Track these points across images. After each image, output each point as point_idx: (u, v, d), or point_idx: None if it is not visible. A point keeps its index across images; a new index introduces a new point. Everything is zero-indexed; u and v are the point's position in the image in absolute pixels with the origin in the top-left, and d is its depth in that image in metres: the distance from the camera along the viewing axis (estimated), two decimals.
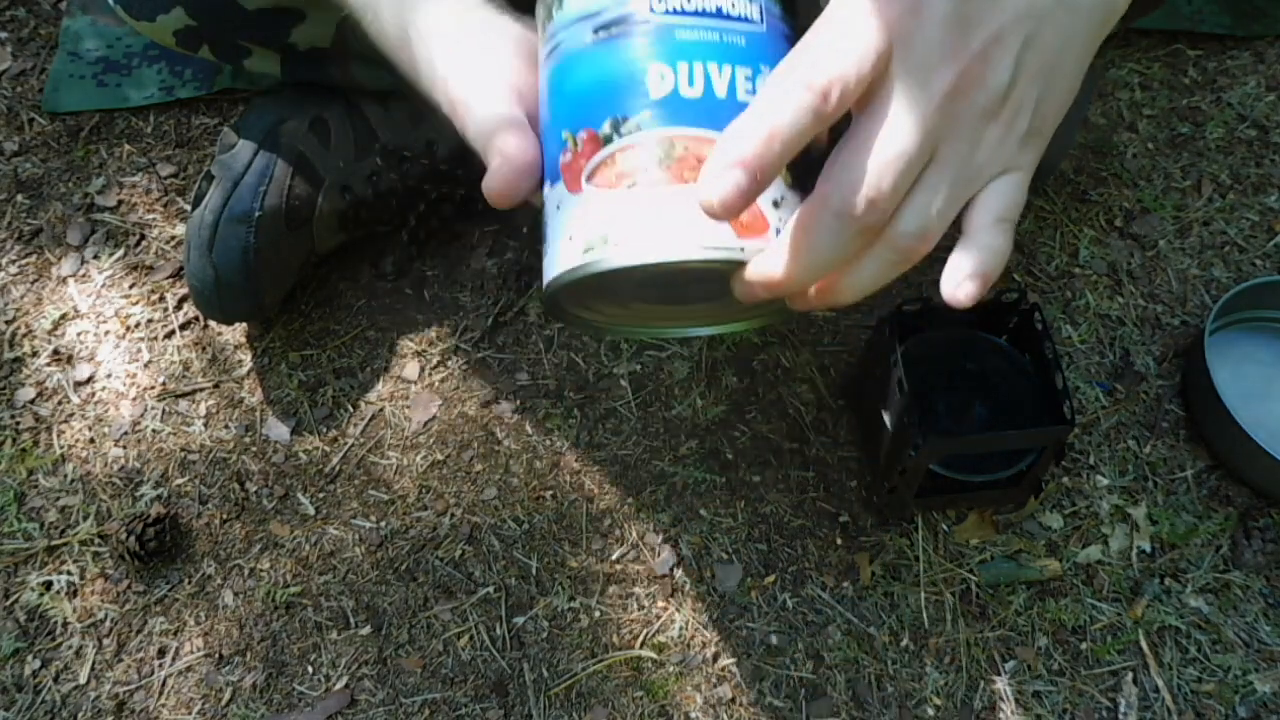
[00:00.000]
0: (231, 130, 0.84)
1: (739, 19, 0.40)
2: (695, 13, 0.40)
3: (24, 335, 0.92)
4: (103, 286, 0.94)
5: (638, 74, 0.39)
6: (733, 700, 0.76)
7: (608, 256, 0.38)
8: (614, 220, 0.38)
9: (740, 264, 0.38)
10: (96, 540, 0.82)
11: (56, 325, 0.92)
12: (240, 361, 0.90)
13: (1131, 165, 0.99)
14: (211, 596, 0.80)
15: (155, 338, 0.91)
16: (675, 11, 0.40)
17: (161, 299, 0.93)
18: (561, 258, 0.40)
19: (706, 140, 0.38)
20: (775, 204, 0.39)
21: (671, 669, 0.77)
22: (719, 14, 0.40)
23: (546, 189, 0.42)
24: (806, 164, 0.39)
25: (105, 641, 0.79)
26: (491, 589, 0.80)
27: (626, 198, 0.38)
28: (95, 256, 0.95)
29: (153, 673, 0.78)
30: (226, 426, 0.87)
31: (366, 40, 0.50)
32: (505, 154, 0.41)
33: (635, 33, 0.39)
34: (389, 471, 0.85)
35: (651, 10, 0.40)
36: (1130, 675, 0.76)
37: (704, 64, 0.39)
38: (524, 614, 0.79)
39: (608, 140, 0.39)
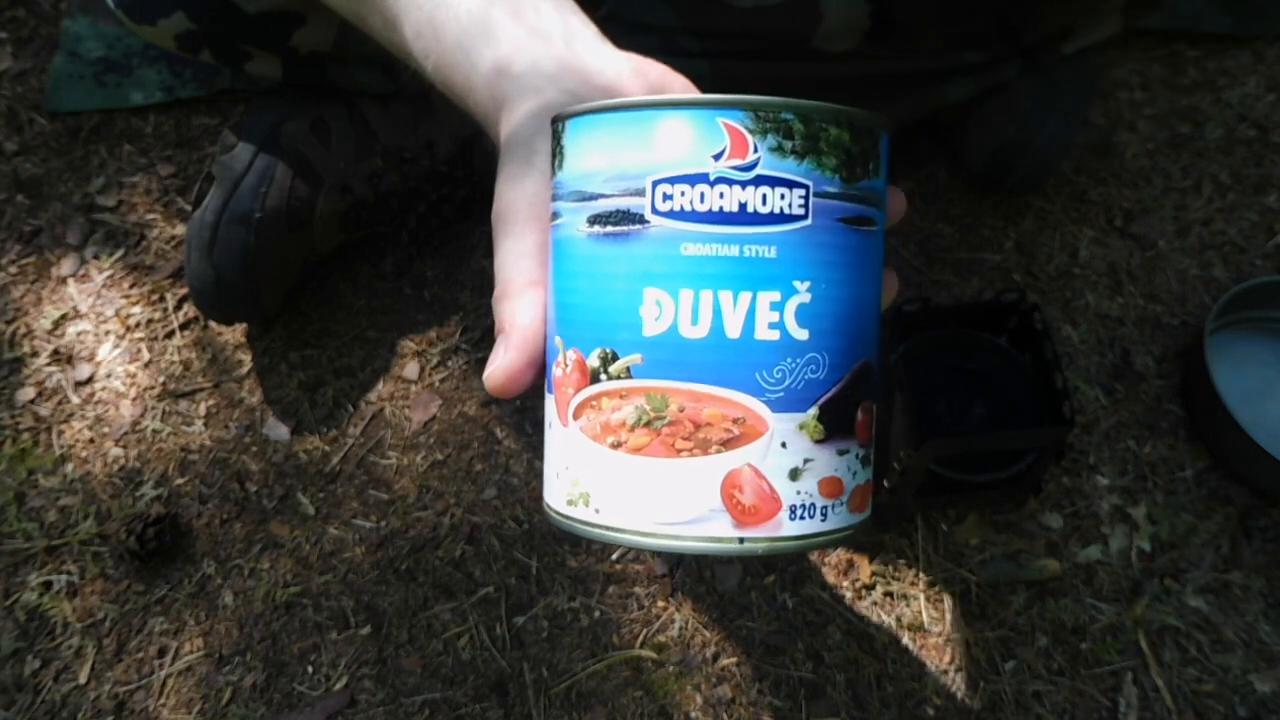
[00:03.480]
0: (231, 131, 0.84)
1: (771, 219, 0.31)
2: (709, 216, 0.31)
3: (24, 335, 0.92)
4: (103, 286, 0.94)
5: (630, 299, 0.31)
6: (733, 700, 0.76)
7: (588, 523, 0.33)
8: (597, 481, 0.33)
9: (742, 556, 0.33)
10: (96, 540, 0.82)
11: (56, 325, 0.92)
12: (240, 361, 0.90)
13: (1131, 165, 0.99)
14: (211, 596, 0.80)
15: (155, 338, 0.91)
16: (682, 214, 0.31)
17: (161, 299, 0.93)
18: (551, 489, 0.35)
19: (708, 398, 0.31)
20: (793, 474, 0.32)
21: (671, 669, 0.77)
22: (742, 217, 0.30)
23: (546, 382, 0.36)
24: (841, 408, 0.32)
25: (105, 641, 0.79)
26: (491, 589, 0.80)
27: (609, 460, 0.32)
28: (95, 256, 0.95)
29: (153, 673, 0.78)
30: (226, 426, 0.87)
31: (371, 46, 0.50)
32: (509, 334, 0.36)
33: (632, 239, 0.31)
34: (389, 471, 0.85)
35: (654, 210, 0.31)
36: (1130, 675, 0.76)
37: (714, 292, 0.31)
38: (524, 614, 0.79)
39: (595, 377, 0.32)
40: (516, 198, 0.37)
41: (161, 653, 0.78)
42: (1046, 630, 0.78)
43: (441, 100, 0.45)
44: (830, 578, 0.80)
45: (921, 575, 0.80)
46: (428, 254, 0.95)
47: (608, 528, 0.32)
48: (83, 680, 0.77)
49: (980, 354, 0.82)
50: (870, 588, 0.79)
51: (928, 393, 0.80)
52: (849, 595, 0.79)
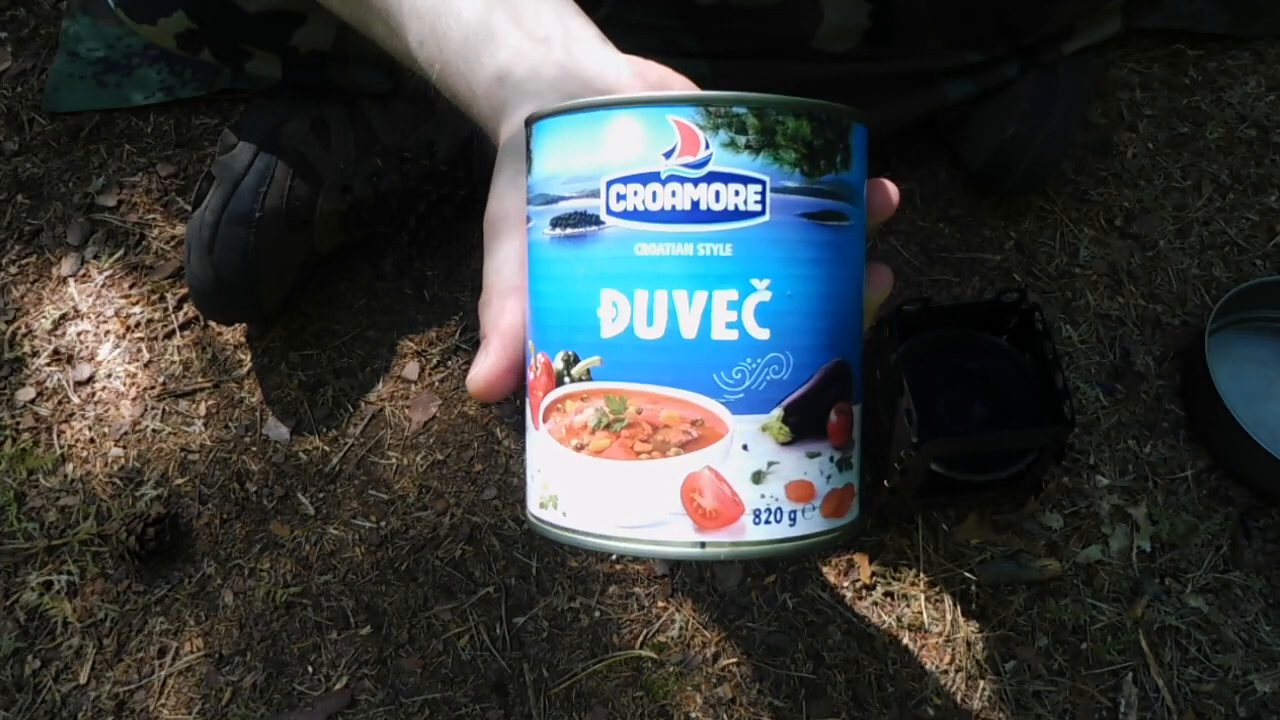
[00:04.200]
0: (231, 131, 0.84)
1: (725, 216, 0.30)
2: (661, 215, 0.30)
3: (24, 335, 0.92)
4: (103, 286, 0.94)
5: (588, 301, 0.31)
6: (733, 700, 0.76)
7: (556, 525, 0.33)
8: (564, 484, 0.32)
9: (706, 561, 0.32)
10: (96, 540, 0.82)
11: (56, 325, 0.92)
12: (240, 361, 0.90)
13: (1131, 165, 0.99)
14: (211, 596, 0.80)
15: (155, 338, 0.91)
16: (635, 214, 0.30)
17: (161, 299, 0.93)
18: (529, 493, 0.35)
19: (665, 400, 0.30)
20: (756, 477, 0.31)
21: (671, 669, 0.77)
22: (695, 215, 0.30)
23: (525, 386, 0.36)
24: (810, 409, 0.32)
25: (105, 641, 0.79)
26: (491, 589, 0.80)
27: (574, 463, 0.32)
28: (95, 256, 0.95)
29: (153, 673, 0.78)
30: (226, 426, 0.87)
31: (372, 46, 0.49)
32: (489, 338, 0.36)
33: (589, 240, 0.31)
34: (389, 471, 0.85)
35: (609, 210, 0.31)
36: (1130, 675, 0.76)
37: (669, 292, 0.30)
38: (524, 614, 0.79)
39: (560, 379, 0.32)
40: (506, 204, 0.37)
41: (161, 653, 0.78)
42: (1046, 630, 0.78)
43: (442, 100, 0.45)
44: (830, 578, 0.80)
45: (921, 575, 0.80)
46: (428, 254, 0.95)
47: (574, 530, 0.32)
48: (83, 680, 0.77)
49: (980, 354, 0.82)
50: (870, 588, 0.79)
51: (928, 393, 0.80)
52: (849, 595, 0.79)
